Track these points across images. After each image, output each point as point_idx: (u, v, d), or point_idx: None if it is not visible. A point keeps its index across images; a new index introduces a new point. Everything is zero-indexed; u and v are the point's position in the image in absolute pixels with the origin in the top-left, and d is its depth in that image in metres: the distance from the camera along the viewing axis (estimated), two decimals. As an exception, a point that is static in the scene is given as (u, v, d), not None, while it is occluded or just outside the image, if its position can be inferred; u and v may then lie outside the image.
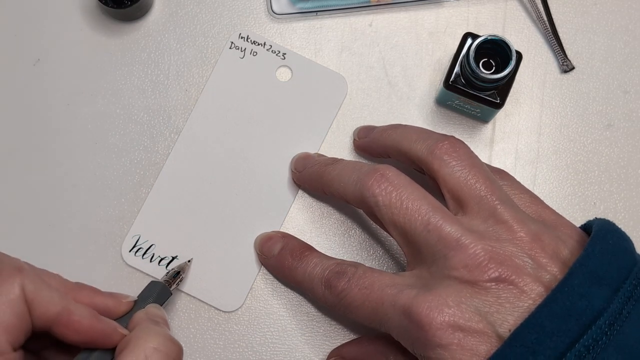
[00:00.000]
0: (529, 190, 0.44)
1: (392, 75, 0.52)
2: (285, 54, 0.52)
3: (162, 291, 0.45)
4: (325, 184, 0.46)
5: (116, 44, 0.53)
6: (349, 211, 0.51)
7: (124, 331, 0.40)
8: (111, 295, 0.42)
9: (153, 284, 0.45)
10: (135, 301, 0.43)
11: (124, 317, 0.42)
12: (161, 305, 0.44)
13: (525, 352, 0.35)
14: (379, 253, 0.50)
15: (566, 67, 0.52)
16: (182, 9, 0.53)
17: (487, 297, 0.37)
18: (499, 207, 0.40)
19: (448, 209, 0.41)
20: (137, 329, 0.39)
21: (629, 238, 0.40)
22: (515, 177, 0.45)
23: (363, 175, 0.42)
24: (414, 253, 0.41)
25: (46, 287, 0.37)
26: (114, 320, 0.41)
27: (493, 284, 0.37)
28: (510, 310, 0.37)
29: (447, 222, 0.39)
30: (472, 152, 0.43)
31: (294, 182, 0.51)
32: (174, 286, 0.47)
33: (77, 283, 0.41)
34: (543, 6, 0.52)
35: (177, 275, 0.47)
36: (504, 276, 0.37)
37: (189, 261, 0.49)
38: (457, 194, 0.41)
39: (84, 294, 0.41)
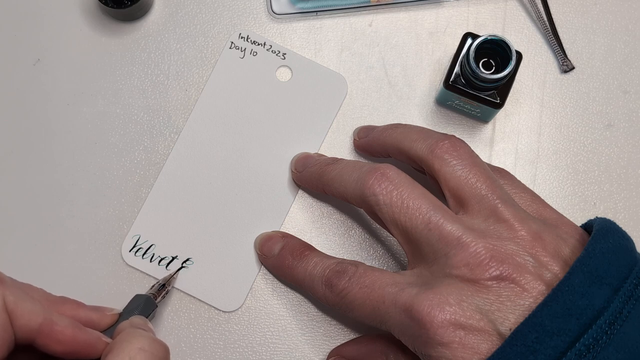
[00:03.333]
0: (530, 189, 0.44)
1: (392, 75, 0.53)
2: (285, 54, 0.52)
3: (147, 303, 0.45)
4: (325, 184, 0.47)
5: (116, 44, 0.53)
6: (349, 211, 0.51)
7: (108, 340, 0.39)
8: (95, 308, 0.42)
9: (137, 297, 0.45)
10: (120, 314, 0.43)
11: (109, 330, 0.42)
12: (147, 317, 0.44)
13: (526, 351, 0.35)
14: (379, 253, 0.50)
15: (566, 67, 0.52)
16: (182, 9, 0.53)
17: (488, 295, 0.37)
18: (499, 206, 0.40)
19: (449, 208, 0.41)
20: (120, 334, 0.39)
21: (629, 237, 0.40)
22: (515, 176, 0.45)
23: (363, 174, 0.42)
24: (415, 252, 0.41)
25: (28, 299, 0.37)
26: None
27: (494, 282, 0.37)
28: (512, 308, 0.37)
29: (448, 221, 0.39)
30: (472, 151, 0.43)
31: (294, 182, 0.51)
32: (159, 298, 0.46)
33: (60, 297, 0.41)
34: (543, 6, 0.52)
35: (162, 288, 0.47)
36: (505, 274, 0.37)
37: (179, 269, 0.49)
38: (458, 193, 0.41)
39: (67, 307, 0.41)
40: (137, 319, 0.42)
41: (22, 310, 0.36)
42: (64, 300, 0.41)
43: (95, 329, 0.40)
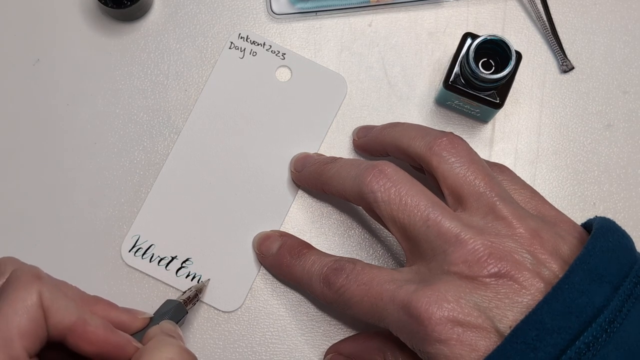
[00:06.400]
0: (529, 186, 0.44)
1: (391, 75, 0.53)
2: (285, 54, 0.52)
3: (178, 309, 0.45)
4: (324, 182, 0.47)
5: (116, 44, 0.53)
6: (349, 211, 0.51)
7: (138, 344, 0.39)
8: (127, 310, 0.42)
9: (168, 302, 0.45)
10: (151, 318, 0.43)
11: (139, 334, 0.41)
12: (177, 323, 0.44)
13: (526, 348, 0.35)
14: (378, 253, 0.50)
15: (566, 67, 0.52)
16: (182, 9, 0.53)
17: (487, 292, 0.37)
18: (498, 203, 0.40)
19: (447, 205, 0.41)
20: (151, 342, 0.39)
21: (629, 236, 0.40)
22: (515, 173, 0.45)
23: (361, 171, 0.42)
24: (413, 249, 0.41)
25: (63, 297, 0.37)
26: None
27: (492, 279, 0.37)
28: (510, 305, 0.37)
29: (447, 218, 0.39)
30: (471, 148, 0.43)
31: (294, 182, 0.51)
32: (190, 305, 0.46)
33: (94, 296, 0.41)
34: (543, 6, 0.52)
35: (195, 296, 0.47)
36: (503, 271, 0.37)
37: (208, 279, 0.49)
38: (456, 190, 0.41)
39: (100, 307, 0.41)
40: (167, 325, 0.42)
41: (57, 307, 0.36)
42: (97, 300, 0.41)
43: (126, 331, 0.40)
